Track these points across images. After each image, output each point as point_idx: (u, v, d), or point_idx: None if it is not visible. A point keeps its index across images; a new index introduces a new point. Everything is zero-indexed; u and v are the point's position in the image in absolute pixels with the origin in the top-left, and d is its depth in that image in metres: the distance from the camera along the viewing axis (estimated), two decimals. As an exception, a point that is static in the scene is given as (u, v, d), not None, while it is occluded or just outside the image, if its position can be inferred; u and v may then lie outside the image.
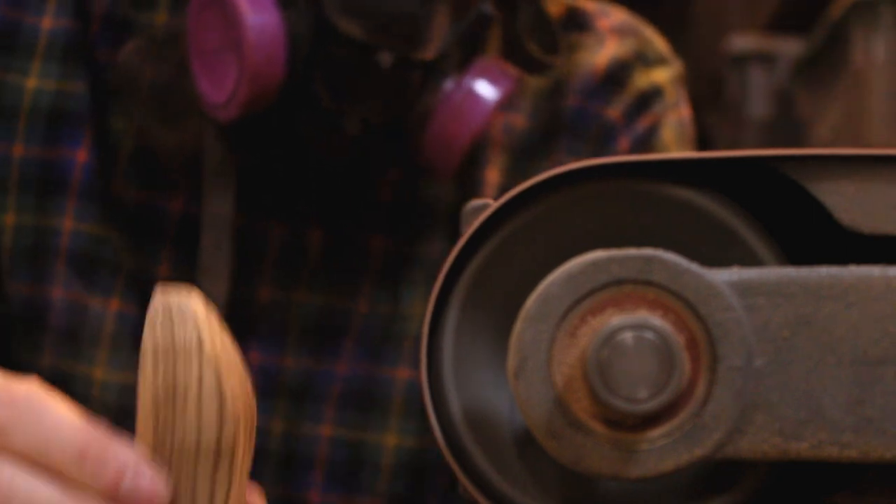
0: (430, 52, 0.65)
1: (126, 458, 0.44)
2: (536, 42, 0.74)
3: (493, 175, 0.77)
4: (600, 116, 0.80)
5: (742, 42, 2.15)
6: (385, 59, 0.64)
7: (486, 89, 0.68)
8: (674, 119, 0.82)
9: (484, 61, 0.69)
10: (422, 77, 0.66)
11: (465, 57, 0.70)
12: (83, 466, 0.43)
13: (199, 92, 0.67)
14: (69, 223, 0.73)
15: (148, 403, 0.45)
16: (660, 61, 0.82)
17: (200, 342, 0.45)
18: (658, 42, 0.83)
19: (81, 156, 0.73)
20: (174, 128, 0.72)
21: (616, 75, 0.80)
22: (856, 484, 0.47)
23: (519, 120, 0.78)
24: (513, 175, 0.77)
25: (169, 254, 0.73)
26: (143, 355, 0.45)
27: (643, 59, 0.82)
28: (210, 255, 0.71)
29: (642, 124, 0.81)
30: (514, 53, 0.73)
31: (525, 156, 0.78)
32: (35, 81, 0.73)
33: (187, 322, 0.46)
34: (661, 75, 0.82)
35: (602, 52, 0.81)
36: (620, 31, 0.82)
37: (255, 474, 0.75)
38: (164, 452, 0.45)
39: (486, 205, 0.46)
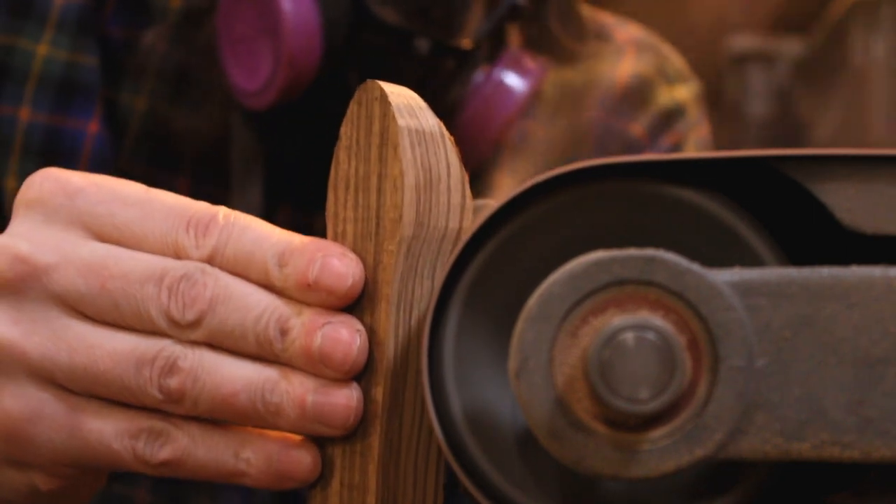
0: (465, 40, 0.66)
1: (315, 249, 0.45)
2: (565, 31, 0.75)
3: (503, 179, 0.77)
4: (624, 132, 0.80)
5: (742, 42, 2.15)
6: (422, 45, 0.65)
7: (515, 81, 0.69)
8: (696, 138, 0.83)
9: (513, 53, 0.70)
10: (455, 67, 0.67)
11: (492, 49, 0.70)
12: (283, 269, 0.45)
13: (230, 80, 0.67)
14: None
15: (411, 184, 0.45)
16: (680, 78, 0.83)
17: (442, 129, 0.47)
18: (676, 59, 0.84)
19: (93, 127, 0.73)
20: (191, 112, 0.72)
21: (638, 91, 0.81)
22: (857, 484, 0.47)
23: (535, 126, 0.79)
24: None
25: None
26: (399, 135, 0.45)
27: (664, 75, 0.82)
28: None
29: (666, 142, 0.81)
30: (543, 43, 0.74)
31: (546, 164, 0.78)
32: (46, 48, 0.73)
33: (425, 111, 0.47)
34: (683, 93, 0.82)
35: (622, 65, 0.81)
36: (639, 46, 0.83)
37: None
38: (420, 234, 0.46)
39: (486, 205, 0.46)
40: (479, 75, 0.68)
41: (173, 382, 0.45)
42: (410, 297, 0.47)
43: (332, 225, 0.47)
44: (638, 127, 0.80)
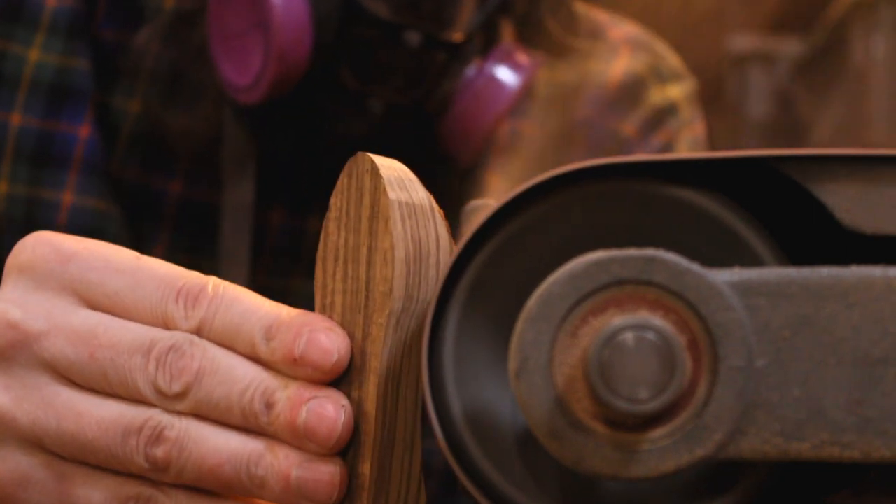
0: (457, 33, 0.66)
1: (302, 323, 0.45)
2: (557, 24, 0.74)
3: (495, 179, 0.77)
4: (616, 131, 0.80)
5: (742, 42, 2.15)
6: (413, 38, 0.65)
7: (507, 75, 0.68)
8: (688, 136, 0.82)
9: (505, 47, 0.69)
10: (446, 60, 0.67)
11: (484, 43, 0.70)
12: (270, 343, 0.45)
13: (221, 76, 0.67)
14: (69, 198, 0.73)
15: (401, 257, 0.46)
16: (674, 77, 0.83)
17: (431, 202, 0.47)
18: (671, 57, 0.84)
19: (84, 131, 0.73)
20: (185, 113, 0.72)
21: (631, 90, 0.81)
22: (857, 484, 0.47)
23: (528, 126, 0.78)
24: (521, 181, 0.77)
25: (165, 236, 0.73)
26: (390, 208, 0.46)
27: (658, 74, 0.82)
28: (231, 240, 0.71)
29: (657, 140, 0.81)
30: (535, 37, 0.74)
31: (537, 163, 0.78)
32: (38, 54, 0.73)
33: (415, 183, 0.47)
34: (676, 91, 0.82)
35: (615, 64, 0.81)
36: (633, 44, 0.82)
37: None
38: (409, 307, 0.46)
39: (486, 205, 0.46)
40: (471, 69, 0.68)
41: (159, 452, 0.45)
42: (398, 369, 0.47)
43: (320, 296, 0.47)
44: (630, 126, 0.80)
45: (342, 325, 0.47)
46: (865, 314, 0.42)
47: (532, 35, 0.74)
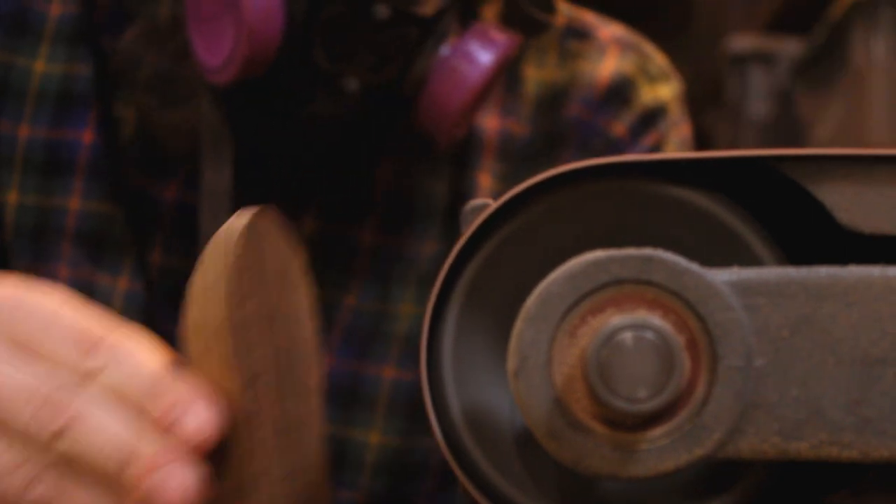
0: (427, 7, 0.65)
1: (184, 394, 0.46)
2: (533, 2, 0.74)
3: (485, 179, 0.77)
4: (606, 132, 0.80)
5: (742, 42, 2.15)
6: (382, 10, 0.64)
7: (481, 52, 0.68)
8: (677, 137, 0.82)
9: (480, 25, 0.69)
10: (419, 36, 0.66)
11: (462, 23, 0.70)
12: (152, 402, 0.46)
13: (196, 58, 0.67)
14: (76, 203, 0.73)
15: (238, 325, 0.46)
16: (662, 77, 0.83)
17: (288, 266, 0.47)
18: (658, 57, 0.84)
19: (88, 136, 0.73)
20: (174, 113, 0.72)
21: (620, 90, 0.80)
22: (855, 484, 0.47)
23: (518, 126, 0.78)
24: (512, 182, 0.77)
25: (161, 240, 0.73)
26: (227, 278, 0.46)
27: (647, 74, 0.82)
28: (209, 227, 0.71)
29: (647, 141, 0.81)
30: (511, 15, 0.74)
31: (526, 164, 0.78)
32: (43, 65, 0.73)
33: (279, 243, 0.48)
34: (665, 92, 0.82)
35: (604, 64, 0.81)
36: (622, 44, 0.82)
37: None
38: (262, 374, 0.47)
39: (485, 204, 0.46)
40: (445, 48, 0.68)
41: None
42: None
43: (242, 370, 0.47)
44: (620, 126, 0.80)
45: (274, 388, 0.47)
46: (864, 314, 0.42)
47: (509, 13, 0.74)
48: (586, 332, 0.41)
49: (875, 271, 0.42)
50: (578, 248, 0.43)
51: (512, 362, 0.42)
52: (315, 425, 0.48)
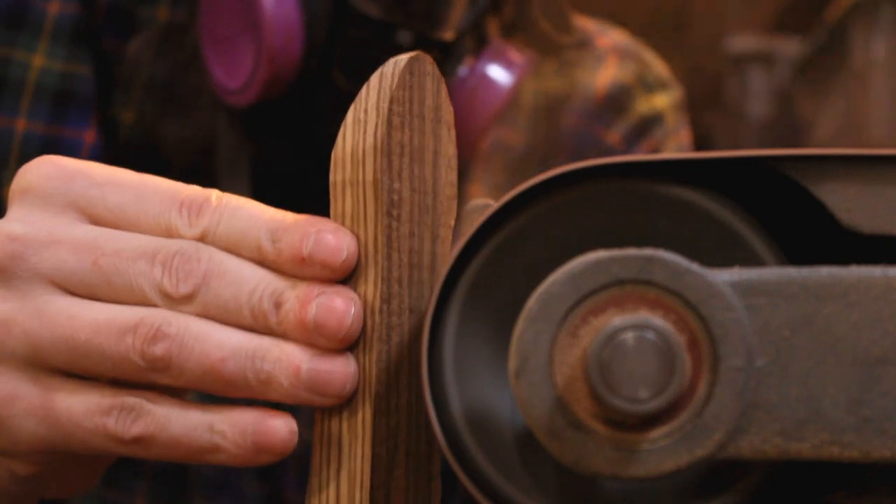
0: (449, 32, 0.65)
1: (309, 224, 0.46)
2: (548, 21, 0.74)
3: (476, 190, 0.77)
4: (600, 140, 0.80)
5: (742, 42, 2.15)
6: (405, 38, 0.65)
7: (499, 73, 0.68)
8: (674, 145, 0.82)
9: (496, 46, 0.69)
10: (439, 60, 0.67)
11: (476, 42, 0.70)
12: (276, 244, 0.46)
13: (214, 80, 0.67)
14: None
15: (387, 150, 0.47)
16: (661, 86, 0.83)
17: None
18: (658, 66, 0.84)
19: (90, 136, 0.73)
20: (181, 122, 0.72)
21: (617, 99, 0.81)
22: (856, 483, 0.47)
23: (513, 135, 0.78)
24: (504, 191, 0.77)
25: None
26: (452, 117, 0.48)
27: (644, 83, 0.82)
28: None
29: (642, 150, 0.81)
30: (527, 34, 0.74)
31: (520, 172, 0.78)
32: (42, 60, 0.73)
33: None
34: (662, 101, 0.82)
35: (602, 73, 0.81)
36: (621, 52, 0.82)
37: (235, 478, 0.76)
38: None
39: (487, 205, 0.46)
40: (463, 69, 0.68)
41: (158, 349, 0.44)
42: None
43: (386, 191, 0.47)
44: (614, 135, 0.80)
45: (409, 221, 0.47)
46: (865, 314, 0.42)
47: (523, 33, 0.74)
48: (587, 332, 0.41)
49: (876, 271, 0.42)
50: (580, 248, 0.43)
51: (513, 362, 0.42)
52: (441, 275, 0.47)
